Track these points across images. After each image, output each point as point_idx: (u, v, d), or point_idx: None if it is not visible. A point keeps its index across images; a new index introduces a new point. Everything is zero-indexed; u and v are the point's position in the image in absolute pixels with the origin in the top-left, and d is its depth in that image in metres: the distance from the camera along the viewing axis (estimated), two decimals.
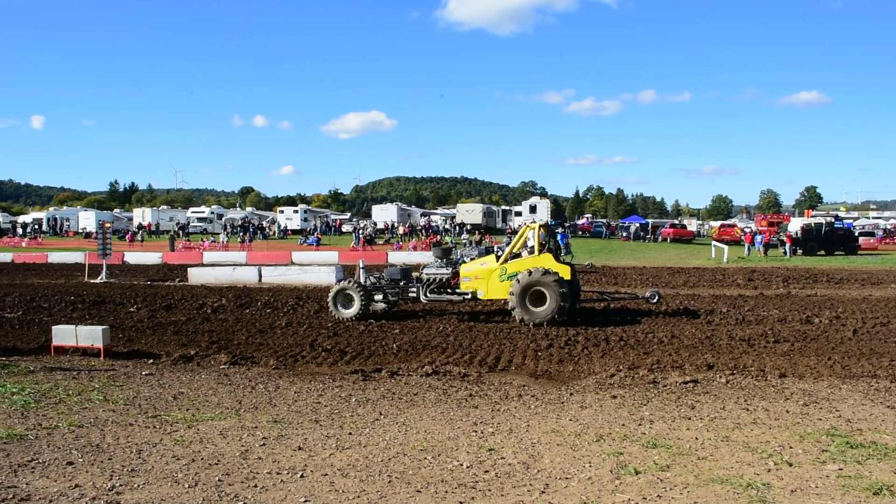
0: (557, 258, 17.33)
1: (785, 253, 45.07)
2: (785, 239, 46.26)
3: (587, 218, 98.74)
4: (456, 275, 17.76)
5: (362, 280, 18.48)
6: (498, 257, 17.55)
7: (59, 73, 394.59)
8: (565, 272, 16.55)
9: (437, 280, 17.89)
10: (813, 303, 20.31)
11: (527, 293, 16.27)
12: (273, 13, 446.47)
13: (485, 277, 17.24)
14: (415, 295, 17.97)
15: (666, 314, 18.05)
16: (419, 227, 69.77)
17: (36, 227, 76.53)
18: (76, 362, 12.22)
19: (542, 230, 17.80)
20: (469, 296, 17.50)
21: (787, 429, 7.87)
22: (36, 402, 9.18)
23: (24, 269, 38.29)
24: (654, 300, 18.56)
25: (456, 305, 19.07)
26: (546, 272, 16.23)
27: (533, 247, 17.38)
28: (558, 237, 21.21)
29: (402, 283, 18.22)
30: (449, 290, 17.80)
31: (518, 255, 17.52)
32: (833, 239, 46.44)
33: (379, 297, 18.15)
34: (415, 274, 18.70)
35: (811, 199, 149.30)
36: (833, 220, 52.74)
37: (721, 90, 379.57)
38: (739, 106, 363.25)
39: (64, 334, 13.05)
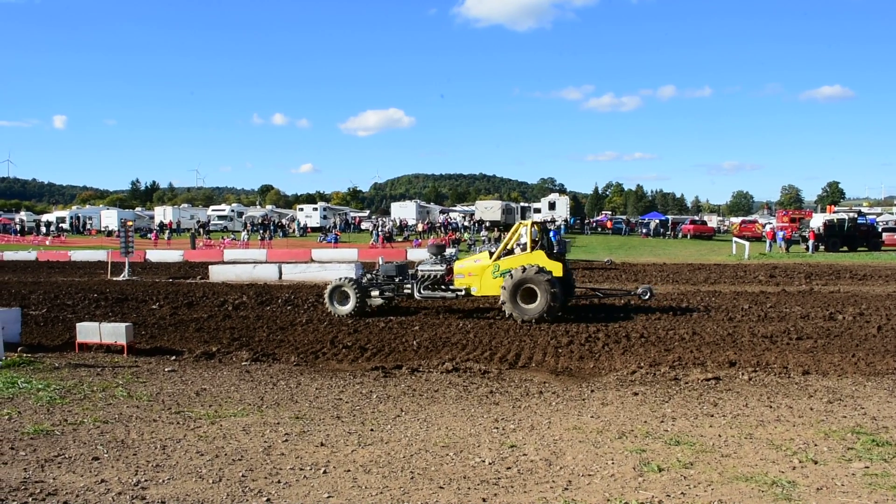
0: (550, 255, 17.33)
1: (807, 249, 44.63)
2: (807, 235, 45.80)
3: (605, 214, 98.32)
4: (450, 271, 17.81)
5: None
6: (491, 254, 17.60)
7: (80, 73, 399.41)
8: (557, 269, 16.59)
9: (432, 277, 17.96)
10: (836, 299, 20.11)
11: (518, 290, 16.30)
12: (290, 10, 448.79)
13: (478, 274, 17.30)
14: (410, 291, 18.06)
15: (687, 311, 17.95)
16: (438, 225, 69.78)
17: (59, 225, 77.37)
18: (100, 359, 12.35)
19: (534, 227, 17.85)
20: (462, 292, 17.57)
21: (811, 426, 7.80)
22: (61, 398, 9.28)
23: (47, 267, 38.74)
24: (646, 297, 18.46)
25: (475, 302, 19.09)
26: (537, 269, 16.27)
27: (525, 243, 17.38)
28: (551, 234, 21.17)
29: (397, 280, 18.31)
30: (443, 287, 17.85)
31: (511, 252, 17.56)
32: (856, 235, 45.93)
33: (375, 293, 18.25)
34: (411, 271, 18.77)
35: (833, 194, 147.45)
36: (856, 215, 52.09)
37: (742, 85, 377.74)
38: (761, 101, 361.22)
39: (88, 331, 13.19)
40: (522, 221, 17.94)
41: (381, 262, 19.45)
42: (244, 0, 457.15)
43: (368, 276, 18.70)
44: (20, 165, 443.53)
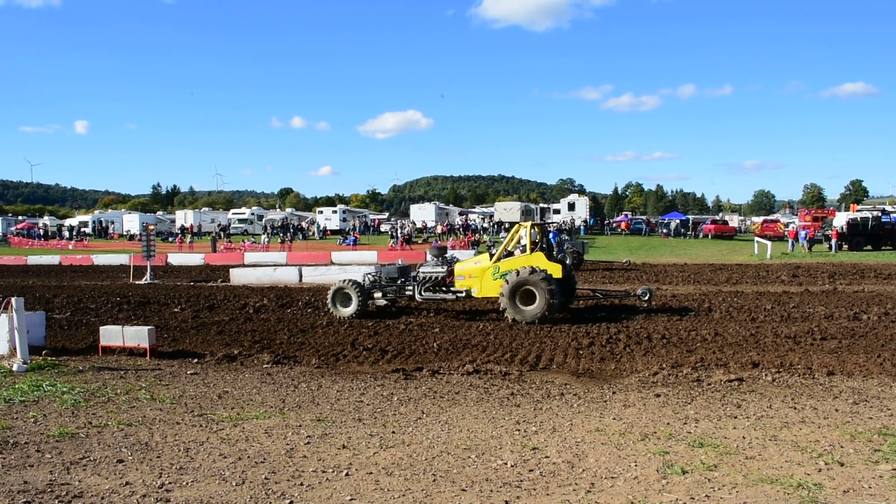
0: (550, 257, 17.35)
1: (830, 248, 44.18)
2: (830, 234, 45.33)
3: (626, 214, 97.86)
4: (451, 273, 17.89)
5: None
6: (492, 255, 17.64)
7: (100, 78, 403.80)
8: (556, 271, 16.64)
9: (433, 278, 18.05)
10: (860, 299, 19.88)
11: (517, 291, 16.35)
12: (307, 13, 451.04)
13: (478, 276, 17.38)
14: (411, 293, 18.20)
15: (709, 311, 17.82)
16: (457, 226, 69.76)
17: (82, 230, 78.17)
18: (123, 362, 12.45)
19: (534, 229, 17.87)
20: (463, 294, 17.65)
21: (836, 428, 7.71)
22: (86, 400, 9.37)
23: (71, 271, 39.19)
24: (646, 297, 18.35)
25: (494, 303, 19.08)
26: (536, 271, 16.30)
27: (525, 245, 17.41)
28: (550, 236, 21.14)
29: (399, 282, 18.46)
30: (444, 289, 17.95)
31: (511, 254, 17.63)
32: (880, 233, 45.38)
33: (378, 295, 18.45)
34: (413, 273, 18.91)
35: (857, 192, 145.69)
36: (880, 214, 51.41)
37: (763, 83, 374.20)
38: (782, 99, 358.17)
39: (111, 334, 13.30)
40: (522, 223, 17.92)
41: (399, 264, 19.49)
42: (263, 3, 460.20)
43: (370, 277, 18.82)
44: (43, 171, 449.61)
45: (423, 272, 18.28)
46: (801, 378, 10.49)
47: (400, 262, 19.89)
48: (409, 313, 18.38)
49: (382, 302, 18.65)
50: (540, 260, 16.80)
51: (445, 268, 18.04)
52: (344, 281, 18.41)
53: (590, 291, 19.98)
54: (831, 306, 18.27)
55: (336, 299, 18.07)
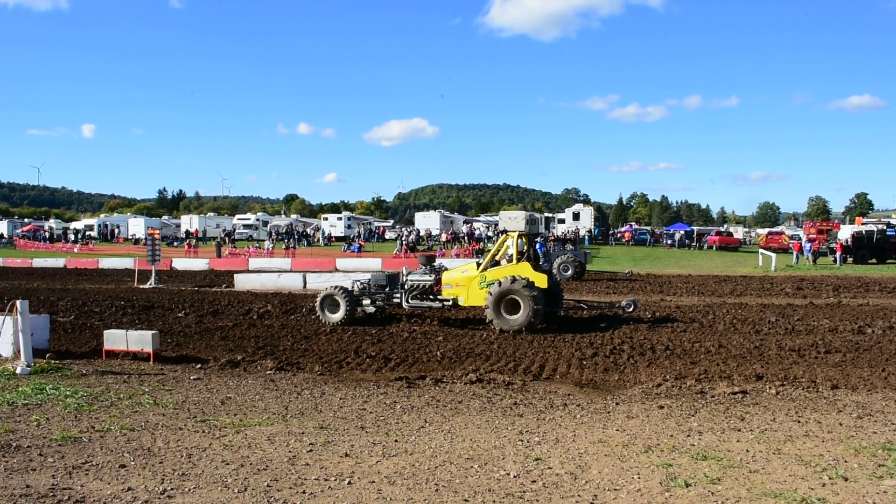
0: (536, 267, 17.42)
1: (835, 261, 44.08)
2: (835, 247, 45.22)
3: (631, 225, 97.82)
4: (438, 281, 17.97)
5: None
6: (479, 265, 17.73)
7: (108, 82, 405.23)
8: (542, 281, 16.71)
9: (420, 286, 18.15)
10: (865, 312, 19.82)
11: (501, 300, 16.42)
12: (315, 20, 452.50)
13: (465, 285, 17.48)
14: (399, 301, 18.29)
15: (713, 323, 17.77)
16: (462, 235, 69.75)
17: (87, 233, 78.38)
18: (127, 366, 12.45)
19: (521, 239, 17.93)
20: (450, 302, 17.75)
21: (840, 442, 7.67)
22: (88, 404, 9.37)
23: (76, 274, 39.25)
24: (630, 309, 18.37)
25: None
26: (521, 281, 16.39)
27: (512, 255, 17.47)
28: (537, 246, 21.24)
29: (387, 290, 18.55)
30: (431, 297, 18.02)
31: (498, 263, 17.70)
32: (885, 247, 45.24)
33: (367, 302, 18.56)
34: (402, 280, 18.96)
35: (862, 205, 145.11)
36: (885, 227, 51.24)
37: (770, 95, 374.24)
38: (788, 111, 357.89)
39: (115, 338, 13.32)
40: (509, 233, 17.98)
41: (404, 272, 19.52)
42: (270, 10, 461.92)
43: (359, 284, 18.95)
44: (49, 174, 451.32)
45: (410, 280, 18.38)
46: (805, 391, 10.45)
47: (405, 270, 19.91)
48: (413, 321, 18.39)
49: (371, 309, 18.76)
50: (526, 270, 16.88)
51: (433, 276, 18.15)
52: (332, 287, 18.51)
53: (574, 302, 20.03)
54: (836, 319, 18.21)
55: (324, 305, 18.17)
